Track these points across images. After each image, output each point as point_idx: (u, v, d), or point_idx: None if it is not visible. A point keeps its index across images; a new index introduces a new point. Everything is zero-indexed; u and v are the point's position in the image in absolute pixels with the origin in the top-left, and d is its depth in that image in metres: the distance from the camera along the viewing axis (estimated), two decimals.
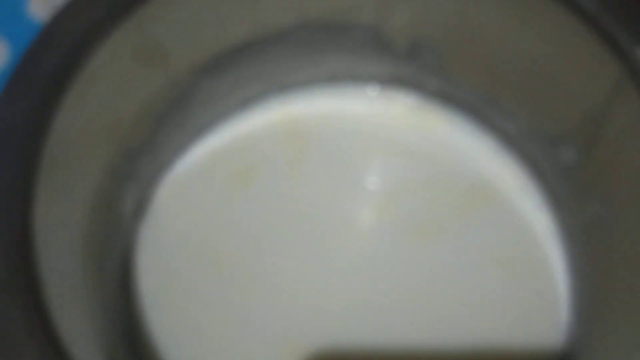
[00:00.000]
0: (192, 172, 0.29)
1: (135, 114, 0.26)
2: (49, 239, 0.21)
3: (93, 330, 0.22)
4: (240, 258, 0.28)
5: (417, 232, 0.29)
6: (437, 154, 0.30)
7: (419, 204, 0.29)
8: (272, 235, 0.29)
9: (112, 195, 0.26)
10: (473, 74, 0.29)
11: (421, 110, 0.31)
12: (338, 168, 0.30)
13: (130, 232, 0.28)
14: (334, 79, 0.31)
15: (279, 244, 0.28)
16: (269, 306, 0.27)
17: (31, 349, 0.18)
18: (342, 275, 0.28)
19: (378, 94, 0.31)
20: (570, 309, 0.28)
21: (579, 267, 0.28)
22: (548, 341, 0.27)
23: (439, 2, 0.26)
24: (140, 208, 0.28)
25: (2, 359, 0.18)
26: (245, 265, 0.28)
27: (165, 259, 0.28)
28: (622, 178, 0.24)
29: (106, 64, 0.23)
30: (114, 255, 0.26)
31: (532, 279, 0.28)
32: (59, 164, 0.22)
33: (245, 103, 0.30)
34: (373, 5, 0.27)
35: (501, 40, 0.26)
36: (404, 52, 0.29)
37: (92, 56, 0.23)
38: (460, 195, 0.29)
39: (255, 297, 0.27)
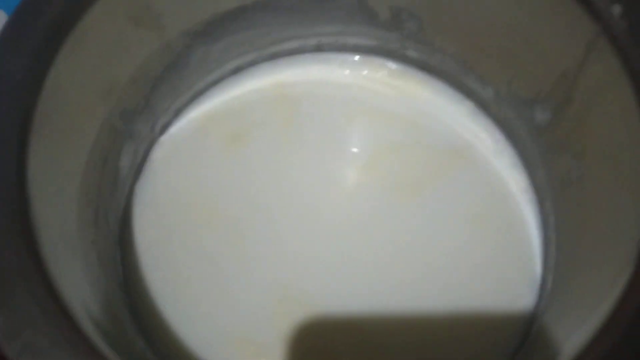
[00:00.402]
0: (187, 134, 0.28)
1: (131, 75, 0.24)
2: (44, 187, 0.20)
3: (88, 279, 0.21)
4: (233, 215, 0.27)
5: (399, 190, 0.27)
6: (417, 117, 0.29)
7: (400, 164, 0.28)
8: (264, 193, 0.27)
9: (109, 151, 0.24)
10: (452, 41, 0.27)
11: (403, 77, 0.29)
12: (325, 131, 0.28)
13: (128, 189, 0.26)
14: (321, 47, 0.29)
15: (270, 201, 0.27)
16: (260, 260, 0.26)
17: (22, 288, 0.17)
18: (328, 231, 0.27)
19: (361, 61, 0.29)
20: (542, 264, 0.26)
21: (551, 223, 0.26)
22: (522, 294, 0.26)
23: None
24: (138, 166, 0.27)
25: None
26: (237, 221, 0.27)
27: (161, 215, 0.27)
28: (594, 133, 0.22)
29: (99, 22, 0.21)
30: (111, 209, 0.25)
31: (507, 234, 0.27)
32: (53, 117, 0.21)
33: (237, 69, 0.29)
34: None
35: (479, 7, 0.25)
36: (386, 20, 0.27)
37: (85, 14, 0.21)
38: (439, 156, 0.28)
39: (247, 252, 0.26)
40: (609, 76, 0.21)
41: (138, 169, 0.27)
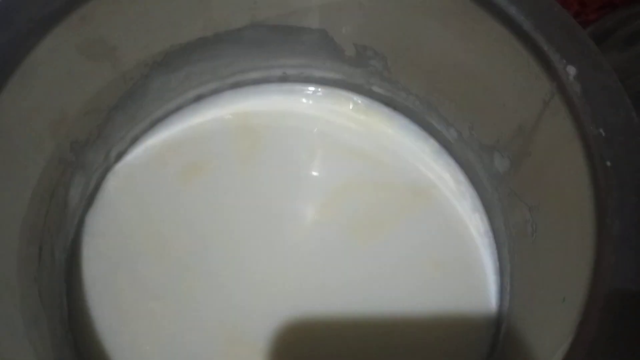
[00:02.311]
0: (142, 164, 0.28)
1: (83, 107, 0.24)
2: None
3: (23, 319, 0.21)
4: (187, 249, 0.27)
5: (358, 228, 0.28)
6: (379, 155, 0.29)
7: (361, 201, 0.28)
8: (220, 228, 0.27)
9: (58, 184, 0.25)
10: (417, 80, 0.28)
11: (367, 112, 0.30)
12: (286, 164, 0.29)
13: (77, 220, 0.27)
14: (285, 78, 0.30)
15: (226, 235, 0.27)
16: (210, 298, 0.26)
17: None
18: (283, 271, 0.27)
19: (326, 94, 0.30)
20: (497, 305, 0.27)
21: (507, 269, 0.27)
22: (478, 334, 0.27)
23: (384, 12, 0.25)
24: (89, 197, 0.27)
25: None
26: (191, 256, 0.27)
27: (110, 247, 0.27)
28: (548, 188, 0.23)
29: (49, 56, 0.22)
30: (58, 243, 0.25)
31: (465, 277, 0.27)
32: None
33: (198, 98, 0.29)
34: (318, 10, 0.26)
35: (442, 51, 0.25)
36: (351, 56, 0.28)
37: (34, 49, 0.21)
38: (400, 195, 0.28)
39: (196, 290, 0.26)
40: (562, 135, 0.21)
41: (89, 200, 0.27)
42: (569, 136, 0.21)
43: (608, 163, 0.19)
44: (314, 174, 0.29)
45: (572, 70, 0.21)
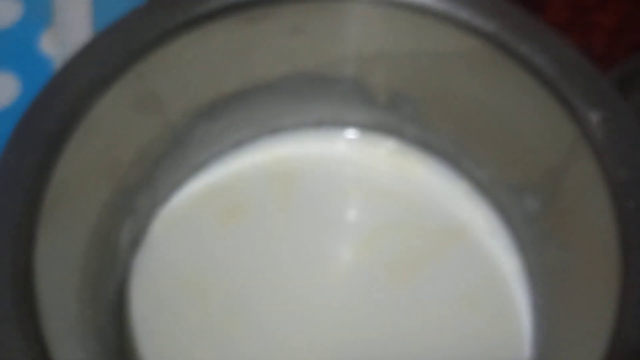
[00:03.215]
0: (186, 208, 0.31)
1: (134, 156, 0.28)
2: (49, 272, 0.23)
3: (87, 358, 0.24)
4: (228, 291, 0.30)
5: (393, 270, 0.30)
6: (413, 197, 0.32)
7: (395, 244, 0.31)
8: (259, 270, 0.30)
9: (110, 229, 0.28)
10: (448, 124, 0.31)
11: (400, 155, 0.33)
12: (321, 208, 0.32)
13: (126, 264, 0.30)
14: (320, 124, 0.33)
15: (265, 278, 0.30)
16: (255, 338, 0.29)
17: None
18: (323, 312, 0.29)
19: (360, 138, 0.33)
20: (532, 347, 0.29)
21: (542, 307, 0.29)
22: None
23: (415, 61, 0.28)
24: (136, 241, 0.30)
25: None
26: (232, 298, 0.29)
27: (158, 289, 0.29)
28: (577, 229, 0.25)
29: (107, 112, 0.25)
30: (109, 286, 0.28)
31: (498, 317, 0.30)
32: (60, 203, 0.24)
33: (237, 145, 0.32)
34: (354, 61, 0.29)
35: (472, 98, 0.28)
36: (384, 102, 0.31)
37: (94, 106, 0.24)
38: (434, 236, 0.31)
39: (242, 330, 0.29)
40: (588, 178, 0.24)
41: (137, 244, 0.30)
42: (595, 178, 0.23)
43: (632, 205, 0.21)
44: (350, 217, 0.32)
45: (595, 116, 0.23)
